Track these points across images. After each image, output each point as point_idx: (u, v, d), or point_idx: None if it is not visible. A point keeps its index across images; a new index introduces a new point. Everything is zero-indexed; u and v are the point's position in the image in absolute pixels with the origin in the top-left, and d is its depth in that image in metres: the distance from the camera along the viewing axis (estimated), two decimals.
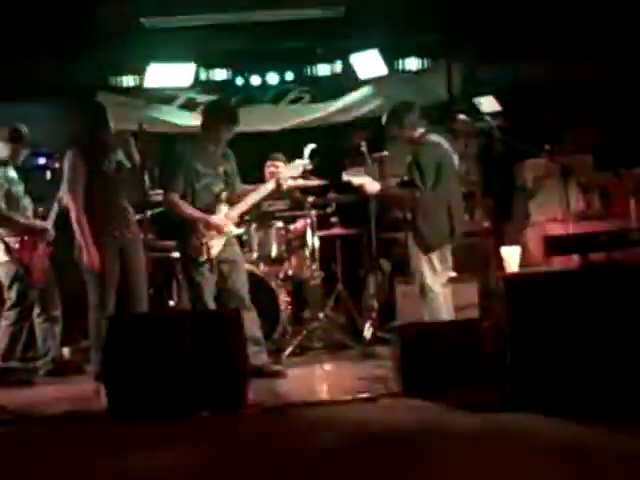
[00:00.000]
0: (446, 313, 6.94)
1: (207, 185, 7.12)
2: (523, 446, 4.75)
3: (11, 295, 7.52)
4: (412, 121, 7.16)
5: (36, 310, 7.64)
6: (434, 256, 6.98)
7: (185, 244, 7.13)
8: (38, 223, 7.62)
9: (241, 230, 7.46)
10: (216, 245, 7.05)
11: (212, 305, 7.02)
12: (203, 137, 7.23)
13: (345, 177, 7.28)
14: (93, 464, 4.91)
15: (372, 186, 7.09)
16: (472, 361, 6.03)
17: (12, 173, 7.63)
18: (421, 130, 7.14)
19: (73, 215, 6.87)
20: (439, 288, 6.96)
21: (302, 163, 7.40)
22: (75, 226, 6.86)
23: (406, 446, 4.93)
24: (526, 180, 9.31)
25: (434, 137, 7.15)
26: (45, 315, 7.66)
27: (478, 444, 4.85)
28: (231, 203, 7.20)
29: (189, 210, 7.04)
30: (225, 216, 7.12)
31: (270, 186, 7.32)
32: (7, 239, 7.46)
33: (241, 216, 7.43)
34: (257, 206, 7.81)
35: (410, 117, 7.17)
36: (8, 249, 7.44)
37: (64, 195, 7.06)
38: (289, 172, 7.42)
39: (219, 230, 7.07)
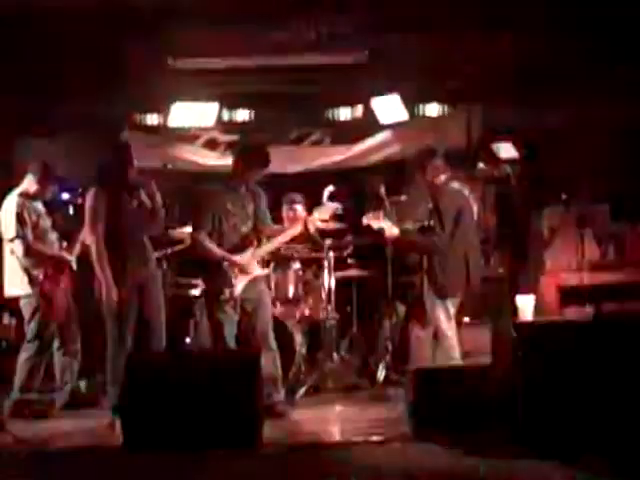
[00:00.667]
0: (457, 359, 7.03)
1: (235, 225, 7.24)
2: None
3: (32, 328, 7.56)
4: (435, 167, 7.26)
5: (56, 343, 7.69)
6: (449, 302, 7.07)
7: (209, 282, 7.25)
8: (64, 255, 7.69)
9: (266, 271, 7.54)
10: (240, 284, 7.15)
11: (232, 343, 7.11)
12: (234, 177, 7.34)
13: (365, 221, 7.39)
14: None
15: (391, 231, 7.20)
16: (484, 406, 6.04)
17: (40, 207, 7.74)
18: (443, 177, 7.24)
19: (93, 252, 6.98)
20: (453, 334, 7.04)
21: (332, 207, 7.48)
22: (95, 263, 6.96)
23: None
24: (542, 228, 9.37)
25: (456, 184, 7.25)
26: (65, 348, 7.71)
27: None
28: (259, 242, 7.31)
29: (215, 249, 7.15)
30: (251, 256, 7.23)
31: (298, 229, 7.43)
32: (32, 272, 7.54)
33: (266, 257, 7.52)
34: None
35: (433, 163, 7.27)
36: (32, 281, 7.50)
37: (85, 232, 7.16)
38: (320, 215, 7.50)
39: (243, 270, 7.17)
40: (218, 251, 7.15)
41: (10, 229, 7.48)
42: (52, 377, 7.74)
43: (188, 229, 8.10)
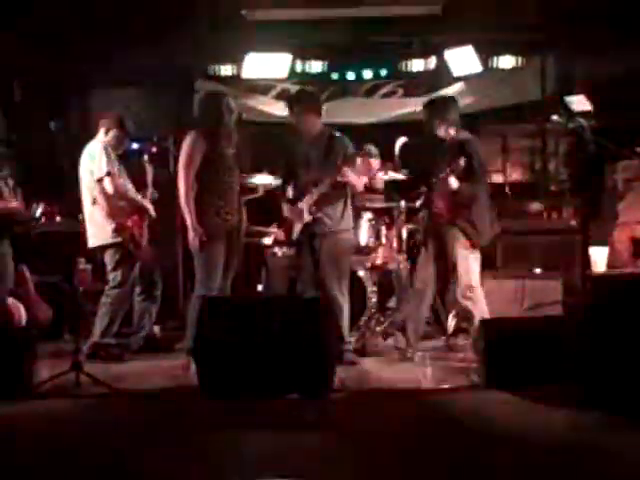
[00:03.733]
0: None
1: (299, 173, 7.35)
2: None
3: (116, 276, 7.62)
4: (454, 117, 7.25)
5: (137, 289, 7.78)
6: (478, 253, 7.14)
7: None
8: (146, 202, 7.80)
9: (311, 214, 7.37)
10: (297, 228, 7.29)
11: (304, 290, 7.24)
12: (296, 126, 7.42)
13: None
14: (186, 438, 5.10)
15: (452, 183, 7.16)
16: (554, 358, 6.05)
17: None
18: (456, 127, 7.25)
19: (182, 195, 7.09)
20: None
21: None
22: (183, 206, 7.08)
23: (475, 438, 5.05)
24: (616, 181, 9.28)
25: (467, 134, 7.27)
26: (146, 294, 7.80)
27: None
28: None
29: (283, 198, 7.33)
30: (305, 202, 7.32)
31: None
32: (118, 218, 7.60)
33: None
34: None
35: (452, 113, 7.27)
36: (118, 229, 7.56)
37: (179, 175, 7.20)
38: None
39: (298, 215, 7.29)
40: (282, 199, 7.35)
41: (102, 166, 7.51)
42: (128, 322, 7.85)
43: (261, 178, 8.23)
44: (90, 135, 7.92)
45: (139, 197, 7.75)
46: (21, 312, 7.81)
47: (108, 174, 7.50)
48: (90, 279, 8.72)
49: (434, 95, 10.31)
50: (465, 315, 7.36)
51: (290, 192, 7.43)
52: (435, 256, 7.36)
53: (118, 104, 9.59)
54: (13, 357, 6.19)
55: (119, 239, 7.59)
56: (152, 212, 7.80)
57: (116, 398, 6.16)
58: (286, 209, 7.42)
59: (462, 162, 6.89)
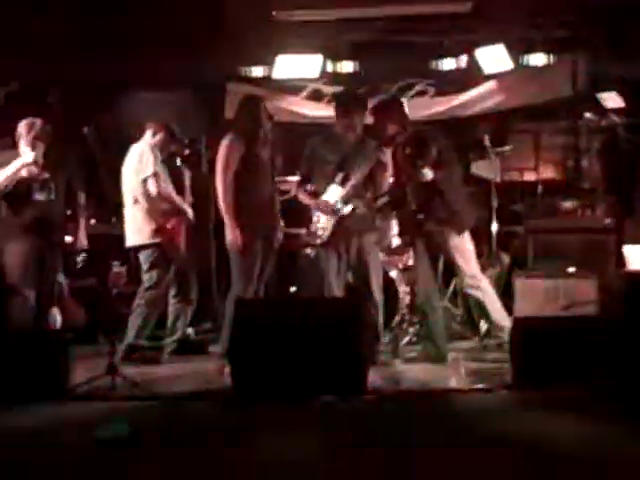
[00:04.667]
0: None
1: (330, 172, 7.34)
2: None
3: (152, 277, 7.66)
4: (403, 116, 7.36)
5: (172, 291, 7.80)
6: (469, 239, 7.27)
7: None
8: (185, 206, 7.83)
9: (349, 207, 7.33)
10: (327, 227, 7.27)
11: (337, 291, 7.23)
12: (337, 126, 7.41)
13: (475, 170, 7.42)
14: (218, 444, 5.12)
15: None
16: (588, 358, 6.03)
17: None
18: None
19: (221, 196, 7.14)
20: None
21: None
22: (222, 206, 7.14)
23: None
24: None
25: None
26: (181, 296, 7.81)
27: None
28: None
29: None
30: (329, 196, 7.29)
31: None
32: (158, 219, 7.64)
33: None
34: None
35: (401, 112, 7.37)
36: (158, 230, 7.61)
37: (217, 179, 7.23)
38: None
39: (325, 210, 7.27)
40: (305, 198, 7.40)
41: (149, 166, 7.56)
42: (162, 324, 7.88)
43: (292, 179, 8.24)
44: (122, 139, 7.97)
45: (180, 200, 7.79)
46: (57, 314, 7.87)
47: (154, 175, 7.56)
48: (124, 281, 8.77)
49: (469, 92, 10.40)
50: (478, 307, 7.38)
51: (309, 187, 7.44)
52: (427, 256, 7.38)
53: (149, 108, 9.64)
54: (48, 360, 6.24)
55: (157, 240, 7.63)
56: (191, 216, 7.84)
57: (151, 401, 6.18)
58: (313, 203, 7.38)
59: (433, 152, 6.92)
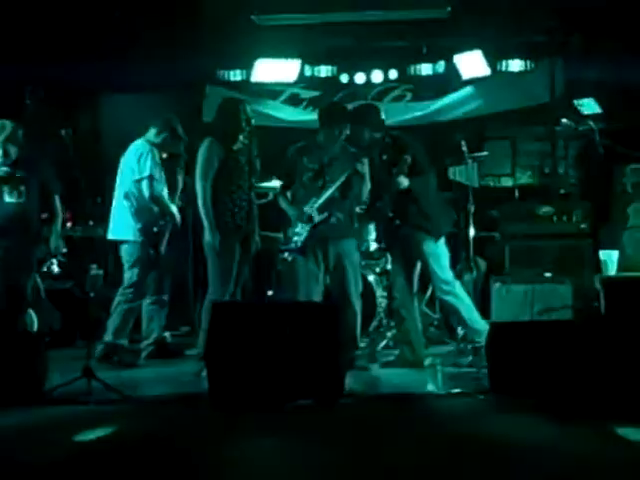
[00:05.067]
0: None
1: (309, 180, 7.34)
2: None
3: (132, 275, 7.66)
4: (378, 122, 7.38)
5: (147, 293, 7.80)
6: (444, 246, 7.34)
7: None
8: (174, 210, 7.81)
9: (323, 215, 7.32)
10: (302, 233, 7.27)
11: (315, 296, 7.24)
12: (318, 133, 7.44)
13: (452, 175, 7.44)
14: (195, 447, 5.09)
15: None
16: (563, 363, 6.04)
17: None
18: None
19: (200, 198, 7.17)
20: None
21: None
22: (201, 208, 7.16)
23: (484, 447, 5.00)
24: (626, 184, 9.27)
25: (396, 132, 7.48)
26: (154, 298, 7.82)
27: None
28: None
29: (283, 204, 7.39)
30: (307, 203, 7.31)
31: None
32: (146, 220, 7.63)
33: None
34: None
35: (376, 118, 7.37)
36: (143, 229, 7.60)
37: (197, 180, 7.25)
38: None
39: (300, 217, 7.28)
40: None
41: (145, 168, 7.56)
42: (139, 327, 7.88)
43: (270, 183, 8.25)
44: (100, 140, 7.95)
45: (169, 204, 7.77)
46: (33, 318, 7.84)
47: (149, 177, 7.56)
48: (102, 285, 8.76)
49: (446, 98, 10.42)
50: (452, 312, 7.39)
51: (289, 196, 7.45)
52: (404, 262, 7.40)
53: (127, 110, 9.62)
54: (24, 363, 6.19)
55: (142, 239, 7.61)
56: (178, 220, 7.84)
57: (127, 404, 6.14)
58: (289, 209, 7.40)
59: (409, 159, 6.95)
